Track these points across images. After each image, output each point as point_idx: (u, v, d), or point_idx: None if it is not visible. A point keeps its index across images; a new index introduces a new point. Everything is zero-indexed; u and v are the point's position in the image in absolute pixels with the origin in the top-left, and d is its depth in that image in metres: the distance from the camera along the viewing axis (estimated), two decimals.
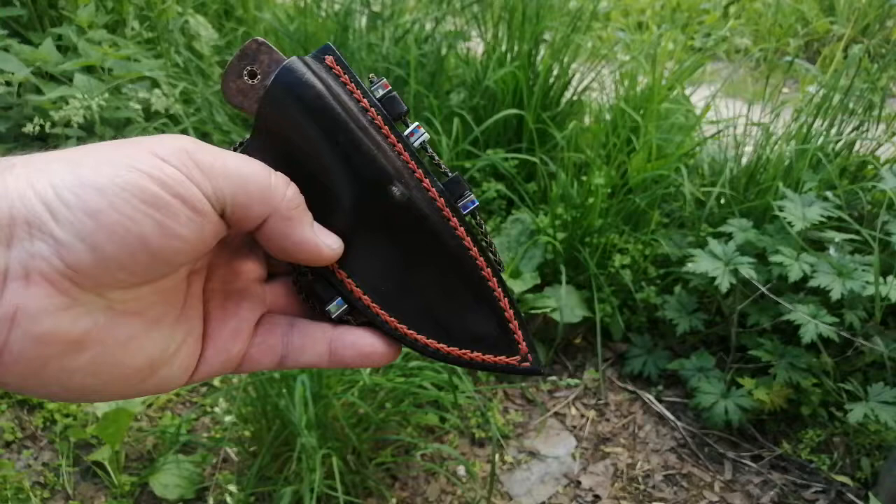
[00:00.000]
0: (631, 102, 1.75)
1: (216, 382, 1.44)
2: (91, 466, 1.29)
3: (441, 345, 0.31)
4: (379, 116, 0.30)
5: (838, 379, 1.35)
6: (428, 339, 0.31)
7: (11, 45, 1.66)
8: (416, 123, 0.31)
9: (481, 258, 0.31)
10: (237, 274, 0.31)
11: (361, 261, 0.30)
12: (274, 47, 0.30)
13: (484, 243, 0.32)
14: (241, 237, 0.31)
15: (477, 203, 0.32)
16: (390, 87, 0.31)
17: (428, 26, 1.98)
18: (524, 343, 0.31)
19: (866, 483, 1.32)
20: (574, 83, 1.93)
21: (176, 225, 0.24)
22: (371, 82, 0.31)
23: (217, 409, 1.32)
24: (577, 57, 1.92)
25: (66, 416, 1.37)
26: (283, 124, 0.29)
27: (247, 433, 1.26)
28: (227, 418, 1.27)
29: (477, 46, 2.03)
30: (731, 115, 1.76)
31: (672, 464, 1.39)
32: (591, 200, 1.54)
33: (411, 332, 0.30)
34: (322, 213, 0.30)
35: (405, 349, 0.31)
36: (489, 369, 0.31)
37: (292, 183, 0.28)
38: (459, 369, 1.21)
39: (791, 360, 1.35)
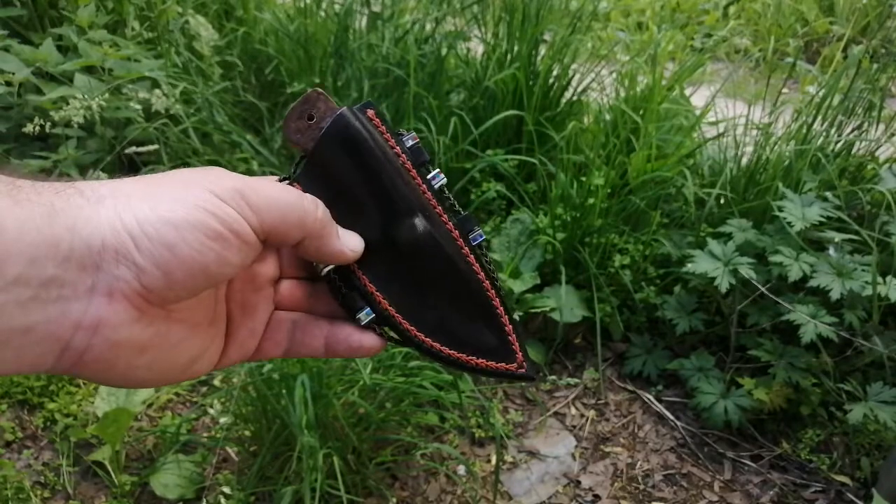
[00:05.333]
0: (631, 103, 1.75)
1: (216, 382, 1.44)
2: (91, 466, 1.29)
3: (452, 351, 0.36)
4: (408, 162, 0.36)
5: (838, 379, 1.35)
6: (441, 346, 0.36)
7: (12, 46, 1.66)
8: (437, 170, 0.37)
9: (487, 281, 0.37)
10: (255, 278, 0.35)
11: (388, 278, 0.36)
12: (329, 97, 0.35)
13: (489, 268, 0.37)
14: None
15: (484, 237, 0.38)
16: (418, 139, 0.37)
17: (428, 27, 1.98)
18: (520, 354, 0.37)
19: (866, 483, 1.32)
20: (574, 83, 1.93)
21: (230, 255, 0.30)
22: (401, 135, 0.36)
23: (212, 411, 1.32)
24: (577, 57, 1.92)
25: (67, 415, 1.37)
26: (334, 160, 0.35)
27: (247, 433, 1.27)
28: (223, 419, 1.27)
29: (477, 47, 2.03)
30: (731, 116, 1.76)
31: (672, 463, 1.40)
32: (590, 201, 1.54)
33: (427, 339, 0.36)
34: (356, 230, 0.35)
35: (389, 345, 0.37)
36: (490, 374, 0.37)
37: (320, 203, 0.34)
38: None
39: (790, 360, 1.35)
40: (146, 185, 0.29)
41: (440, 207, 0.36)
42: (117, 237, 0.27)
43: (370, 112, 0.36)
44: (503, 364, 0.37)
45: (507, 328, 0.37)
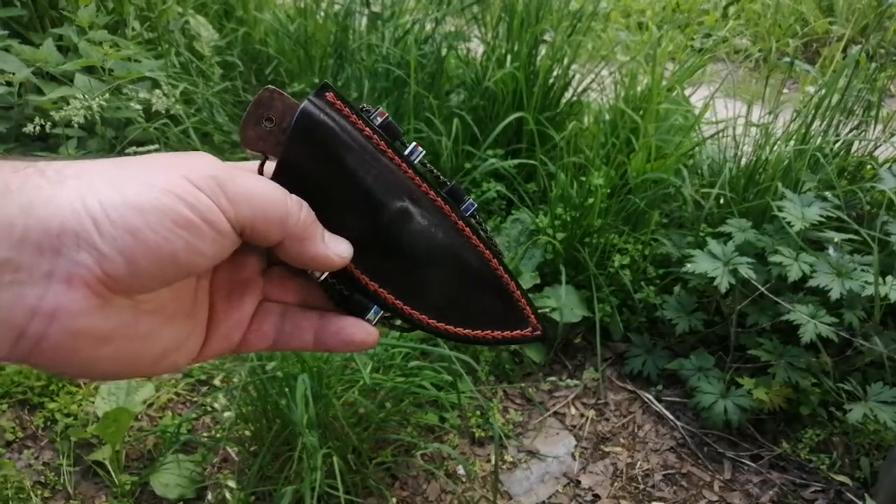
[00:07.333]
0: (630, 103, 1.76)
1: (217, 382, 1.44)
2: (92, 466, 1.30)
3: (467, 331, 0.36)
4: (382, 142, 0.33)
5: (837, 379, 1.35)
6: (455, 327, 0.35)
7: (12, 46, 1.66)
8: (414, 143, 0.35)
9: (487, 251, 0.36)
10: (241, 267, 0.34)
11: (388, 271, 0.34)
12: (284, 93, 0.32)
13: (486, 236, 0.36)
14: None
15: (476, 205, 0.36)
16: (387, 115, 0.34)
17: (428, 27, 1.98)
18: (532, 317, 0.37)
19: (865, 482, 1.32)
20: (574, 84, 1.93)
21: (202, 244, 0.28)
22: (368, 112, 0.34)
23: (216, 406, 1.32)
24: (577, 58, 1.92)
25: (67, 415, 1.37)
26: (305, 160, 0.32)
27: (247, 432, 1.27)
28: (227, 414, 1.27)
29: (477, 47, 2.03)
30: (730, 116, 1.76)
31: (671, 463, 1.40)
32: (590, 201, 1.55)
33: (440, 324, 0.35)
34: (344, 231, 0.33)
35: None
36: (508, 343, 0.36)
37: (305, 204, 0.32)
38: (460, 368, 1.21)
39: (790, 360, 1.35)
40: (115, 167, 0.28)
41: (425, 184, 0.35)
42: (78, 220, 0.25)
43: (329, 96, 0.33)
44: (518, 331, 0.36)
45: (515, 294, 0.36)
